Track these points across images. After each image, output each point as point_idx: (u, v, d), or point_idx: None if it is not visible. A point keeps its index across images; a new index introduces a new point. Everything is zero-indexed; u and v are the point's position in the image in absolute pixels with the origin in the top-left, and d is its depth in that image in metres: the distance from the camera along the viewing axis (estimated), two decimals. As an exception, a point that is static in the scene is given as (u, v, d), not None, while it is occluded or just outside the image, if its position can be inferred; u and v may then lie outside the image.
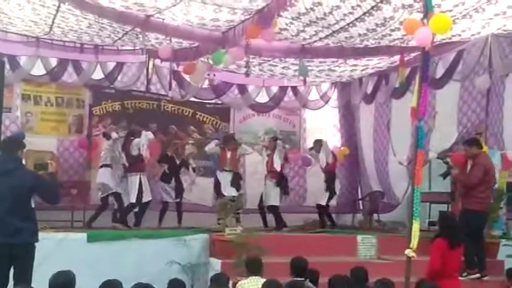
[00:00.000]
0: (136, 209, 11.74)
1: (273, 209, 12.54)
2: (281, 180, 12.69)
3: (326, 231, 11.90)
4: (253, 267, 7.26)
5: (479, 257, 9.63)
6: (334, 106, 15.71)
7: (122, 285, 6.04)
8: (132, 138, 11.71)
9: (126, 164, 11.79)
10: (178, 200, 12.61)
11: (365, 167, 15.09)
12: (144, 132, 11.79)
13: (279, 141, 12.90)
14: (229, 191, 12.02)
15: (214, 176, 12.75)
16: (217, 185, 12.52)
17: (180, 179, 12.76)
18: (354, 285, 6.96)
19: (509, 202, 10.80)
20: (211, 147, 12.73)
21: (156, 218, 12.32)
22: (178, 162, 12.80)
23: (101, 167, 11.93)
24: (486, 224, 9.93)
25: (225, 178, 12.37)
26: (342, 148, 14.23)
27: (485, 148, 10.90)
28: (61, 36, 11.82)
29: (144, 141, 11.66)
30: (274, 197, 12.56)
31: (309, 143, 14.66)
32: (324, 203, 12.94)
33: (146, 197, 11.72)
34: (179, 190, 12.63)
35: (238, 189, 12.34)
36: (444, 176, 11.31)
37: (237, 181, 12.43)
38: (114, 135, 12.07)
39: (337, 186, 13.24)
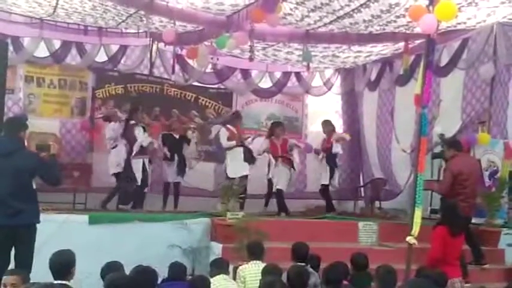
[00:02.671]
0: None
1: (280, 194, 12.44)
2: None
3: (328, 218, 11.89)
4: (255, 252, 7.29)
5: (474, 248, 9.61)
6: (337, 93, 15.69)
7: (123, 267, 6.06)
8: (132, 123, 11.57)
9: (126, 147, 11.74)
10: (178, 181, 12.48)
11: (367, 154, 15.08)
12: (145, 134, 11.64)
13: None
14: (243, 169, 11.83)
15: (225, 160, 12.30)
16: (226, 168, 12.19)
17: (184, 156, 12.59)
18: (354, 272, 7.00)
19: (511, 191, 10.76)
20: (228, 143, 12.19)
21: (158, 200, 12.32)
22: (177, 137, 12.63)
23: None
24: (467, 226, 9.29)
25: (239, 154, 12.03)
26: (344, 134, 14.16)
27: (486, 137, 10.91)
28: (65, 18, 11.79)
29: (145, 140, 11.55)
30: (284, 182, 12.44)
31: (311, 129, 14.65)
32: (327, 181, 12.72)
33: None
34: (181, 167, 12.48)
35: (251, 163, 12.10)
36: (434, 156, 11.27)
37: (249, 155, 12.13)
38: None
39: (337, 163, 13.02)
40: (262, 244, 7.46)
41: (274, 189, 12.31)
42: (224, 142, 12.16)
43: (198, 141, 13.77)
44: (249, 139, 12.45)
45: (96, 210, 10.80)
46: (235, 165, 11.93)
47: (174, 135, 12.65)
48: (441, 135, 11.18)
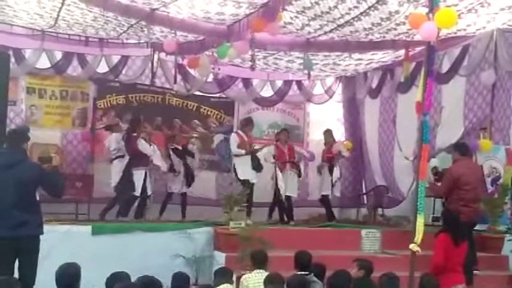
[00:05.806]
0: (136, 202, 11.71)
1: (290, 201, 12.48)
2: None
3: (330, 226, 11.88)
4: (259, 260, 7.27)
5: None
6: (339, 101, 15.70)
7: (129, 277, 6.05)
8: (134, 134, 11.63)
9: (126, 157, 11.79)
10: (184, 191, 12.50)
11: (369, 161, 15.07)
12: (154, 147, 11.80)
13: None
14: (251, 176, 11.79)
15: (233, 167, 12.10)
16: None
17: (189, 165, 12.63)
18: (357, 280, 6.98)
19: (514, 197, 10.76)
20: (237, 151, 12.01)
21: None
22: (180, 148, 12.67)
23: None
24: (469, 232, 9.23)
25: (247, 161, 11.92)
26: (345, 142, 14.16)
27: (488, 144, 10.91)
28: (66, 29, 11.83)
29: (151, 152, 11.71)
30: (294, 188, 12.53)
31: (312, 137, 14.64)
32: (328, 192, 12.76)
33: (148, 191, 11.74)
34: (189, 177, 12.49)
35: (259, 171, 12.02)
36: None
37: (257, 163, 12.06)
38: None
39: (336, 174, 13.01)
40: (265, 252, 7.45)
41: (282, 197, 12.24)
42: (234, 148, 11.98)
43: (201, 151, 13.75)
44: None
45: (98, 221, 10.82)
46: (244, 170, 11.87)
47: (178, 147, 12.67)
48: (434, 168, 10.93)
